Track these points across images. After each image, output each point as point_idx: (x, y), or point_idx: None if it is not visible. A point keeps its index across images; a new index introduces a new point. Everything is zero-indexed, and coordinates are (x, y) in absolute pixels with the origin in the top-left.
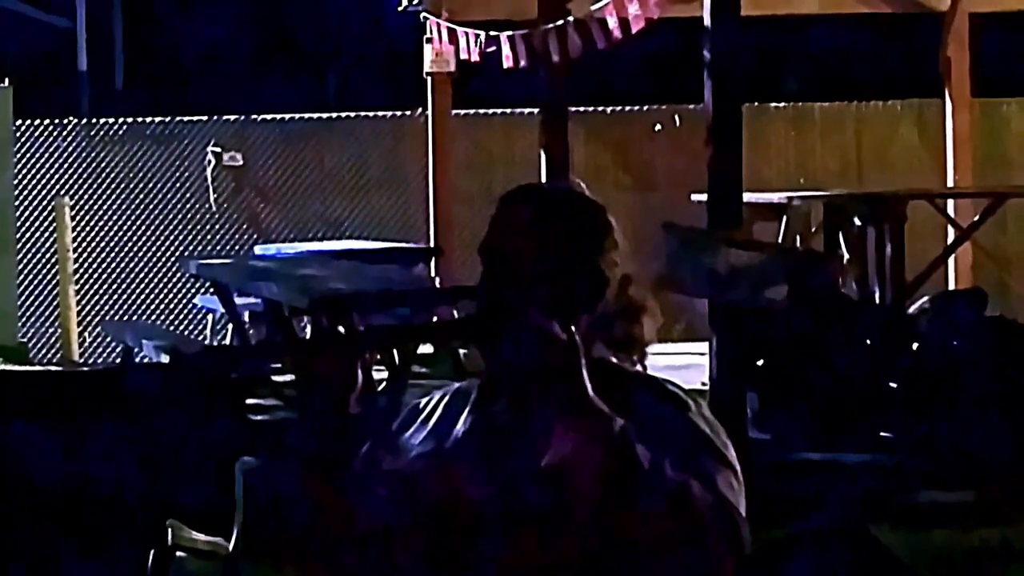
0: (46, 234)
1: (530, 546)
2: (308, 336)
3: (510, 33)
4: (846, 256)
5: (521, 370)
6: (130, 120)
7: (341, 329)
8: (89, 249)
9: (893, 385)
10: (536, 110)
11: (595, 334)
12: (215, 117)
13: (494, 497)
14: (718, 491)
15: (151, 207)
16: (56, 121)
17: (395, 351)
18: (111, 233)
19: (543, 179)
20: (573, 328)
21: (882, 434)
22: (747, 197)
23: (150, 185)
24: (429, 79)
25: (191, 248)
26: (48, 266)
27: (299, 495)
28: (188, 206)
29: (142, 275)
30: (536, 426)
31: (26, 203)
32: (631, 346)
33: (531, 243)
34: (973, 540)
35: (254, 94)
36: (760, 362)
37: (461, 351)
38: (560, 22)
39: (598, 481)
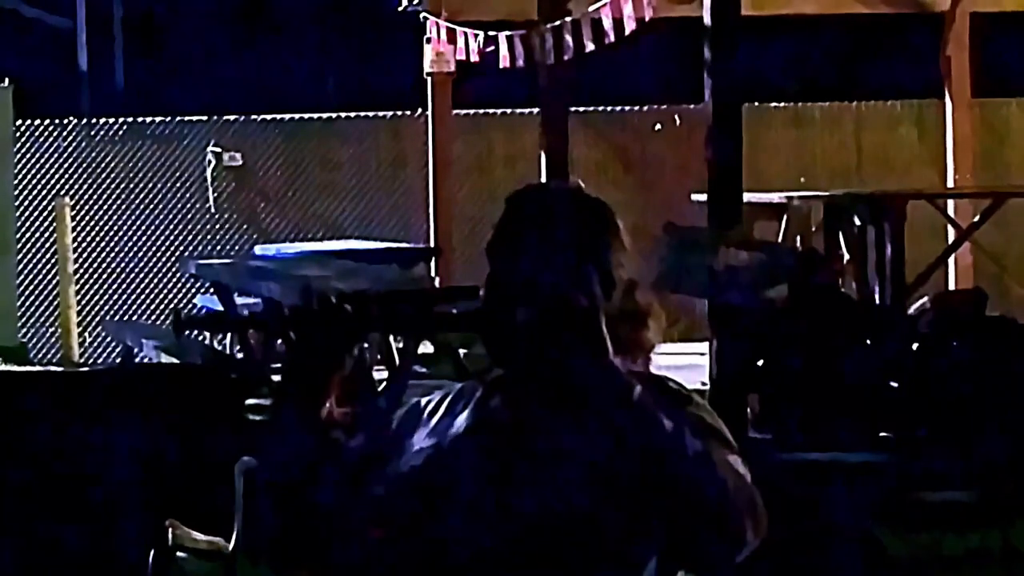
0: (46, 234)
1: (534, 539)
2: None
3: (509, 33)
4: (846, 256)
5: (533, 341)
6: (130, 120)
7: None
8: (89, 249)
9: (893, 385)
10: (536, 110)
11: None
12: (215, 117)
13: (495, 493)
14: (733, 467)
15: (151, 207)
16: (56, 121)
17: (395, 351)
18: (111, 233)
19: (543, 179)
20: (592, 293)
21: (882, 434)
22: (747, 197)
23: (150, 185)
24: (429, 79)
25: (191, 248)
26: (48, 266)
27: (298, 495)
28: (188, 206)
29: (142, 275)
30: (544, 414)
31: (26, 203)
32: (635, 350)
33: (538, 242)
34: (973, 540)
35: (254, 94)
36: (760, 362)
37: (461, 351)
38: (559, 23)
39: (621, 444)
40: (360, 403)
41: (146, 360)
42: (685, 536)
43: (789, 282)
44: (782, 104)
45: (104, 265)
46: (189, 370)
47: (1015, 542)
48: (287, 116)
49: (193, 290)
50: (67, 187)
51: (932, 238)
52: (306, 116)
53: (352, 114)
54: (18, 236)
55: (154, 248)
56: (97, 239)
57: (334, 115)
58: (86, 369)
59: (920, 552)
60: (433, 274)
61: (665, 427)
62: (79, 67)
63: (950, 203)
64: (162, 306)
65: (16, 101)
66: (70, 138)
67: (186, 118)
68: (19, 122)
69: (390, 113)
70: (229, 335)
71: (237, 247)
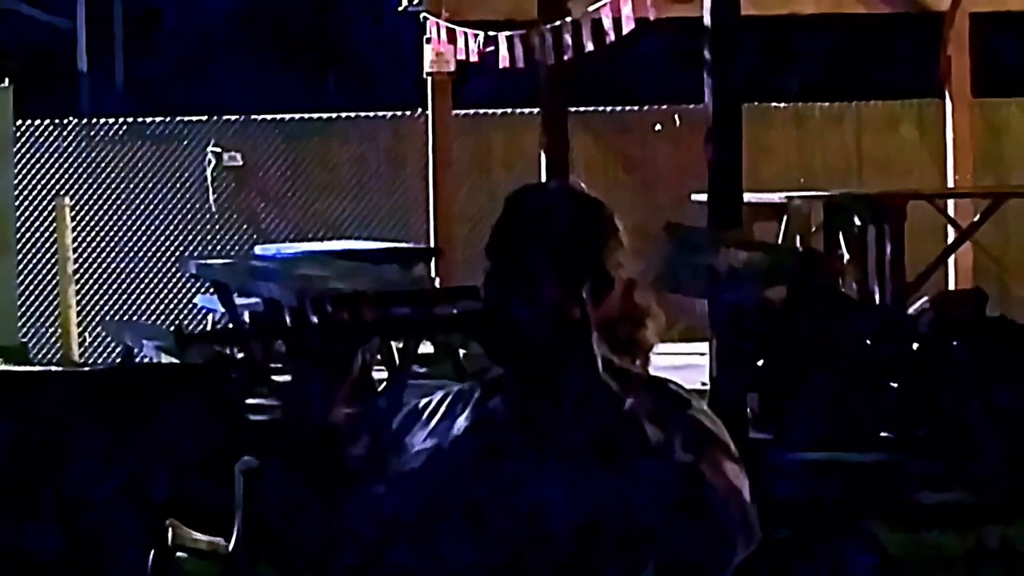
0: (46, 234)
1: (532, 541)
2: (307, 319)
3: (509, 33)
4: (846, 256)
5: (532, 342)
6: (130, 120)
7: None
8: (89, 249)
9: (893, 385)
10: (536, 110)
11: (599, 335)
12: (215, 117)
13: (495, 493)
14: (727, 478)
15: (151, 207)
16: (56, 121)
17: (395, 351)
18: (111, 233)
19: (543, 179)
20: (584, 304)
21: (882, 434)
22: (747, 197)
23: (150, 185)
24: (429, 79)
25: (191, 248)
26: (48, 266)
27: (298, 495)
28: (188, 206)
29: (142, 275)
30: (540, 416)
31: (26, 203)
32: (634, 349)
33: (537, 242)
34: (973, 540)
35: (254, 94)
36: (760, 362)
37: (461, 351)
38: (559, 23)
39: (608, 458)
40: (360, 404)
41: (146, 360)
42: (676, 546)
43: (789, 282)
44: (782, 104)
45: (104, 265)
46: (189, 370)
47: (1015, 542)
48: (287, 116)
49: (193, 290)
50: (67, 187)
51: (932, 238)
52: (306, 116)
53: (352, 114)
54: (18, 236)
55: (154, 248)
56: (97, 239)
57: (334, 115)
58: (86, 369)
59: (920, 552)
60: (433, 274)
61: (652, 439)
62: (79, 67)
63: (950, 203)
64: (162, 306)
65: (16, 101)
66: (70, 138)
67: (186, 118)
68: (19, 122)
69: (390, 113)
70: None
71: (237, 247)
